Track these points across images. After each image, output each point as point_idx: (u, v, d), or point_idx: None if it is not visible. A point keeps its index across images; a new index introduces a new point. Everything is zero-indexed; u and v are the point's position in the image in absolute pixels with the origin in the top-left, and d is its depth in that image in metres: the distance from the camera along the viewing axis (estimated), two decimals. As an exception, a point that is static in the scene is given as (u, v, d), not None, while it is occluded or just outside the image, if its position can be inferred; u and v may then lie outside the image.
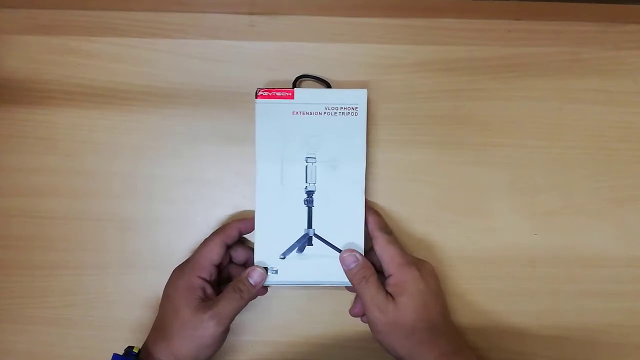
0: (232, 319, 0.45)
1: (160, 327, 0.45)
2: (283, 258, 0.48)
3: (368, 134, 0.51)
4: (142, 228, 0.51)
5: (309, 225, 0.48)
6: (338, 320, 0.51)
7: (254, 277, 0.46)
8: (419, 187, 0.51)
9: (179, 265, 0.47)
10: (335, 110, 0.48)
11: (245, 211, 0.51)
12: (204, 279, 0.45)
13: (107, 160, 0.51)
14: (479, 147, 0.51)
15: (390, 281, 0.45)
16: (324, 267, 0.47)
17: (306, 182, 0.48)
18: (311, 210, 0.48)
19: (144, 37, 0.51)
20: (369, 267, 0.46)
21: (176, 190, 0.51)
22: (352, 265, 0.46)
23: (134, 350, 0.44)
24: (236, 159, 0.51)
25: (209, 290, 0.46)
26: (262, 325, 0.51)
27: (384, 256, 0.46)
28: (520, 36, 0.52)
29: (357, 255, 0.46)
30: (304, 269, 0.48)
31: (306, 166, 0.48)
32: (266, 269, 0.47)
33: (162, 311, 0.46)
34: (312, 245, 0.48)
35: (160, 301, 0.47)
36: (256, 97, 0.48)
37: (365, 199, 0.48)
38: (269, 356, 0.51)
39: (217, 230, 0.48)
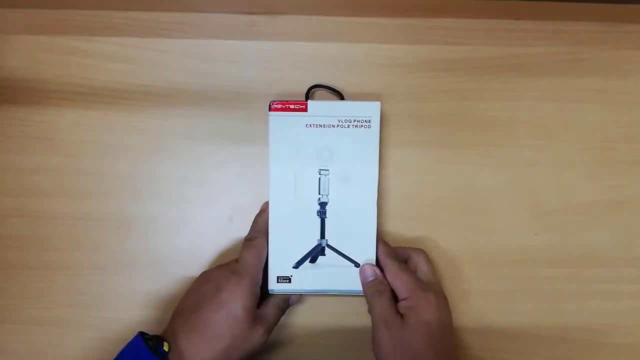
0: None
1: (202, 329, 0.43)
2: (296, 268, 0.48)
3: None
4: (142, 228, 0.51)
5: (322, 236, 0.48)
6: (338, 321, 0.51)
7: (294, 300, 0.49)
8: (419, 187, 0.51)
9: (228, 269, 0.46)
10: (348, 123, 0.47)
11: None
12: (258, 285, 0.46)
13: (107, 160, 0.51)
14: (479, 147, 0.51)
15: (404, 303, 0.45)
16: (337, 277, 0.48)
17: (319, 193, 0.48)
18: (324, 221, 0.48)
19: (144, 37, 0.51)
20: (387, 283, 0.46)
21: (176, 190, 0.51)
22: (370, 278, 0.47)
23: (164, 348, 0.41)
24: (236, 158, 0.51)
25: (259, 294, 0.46)
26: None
27: (397, 282, 0.46)
28: (520, 36, 0.52)
29: (377, 270, 0.47)
30: (316, 278, 0.48)
31: (319, 178, 0.48)
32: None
33: (212, 316, 0.43)
34: (324, 255, 0.48)
35: (194, 300, 0.45)
36: (269, 110, 0.47)
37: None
38: (269, 356, 0.51)
39: (254, 231, 0.48)
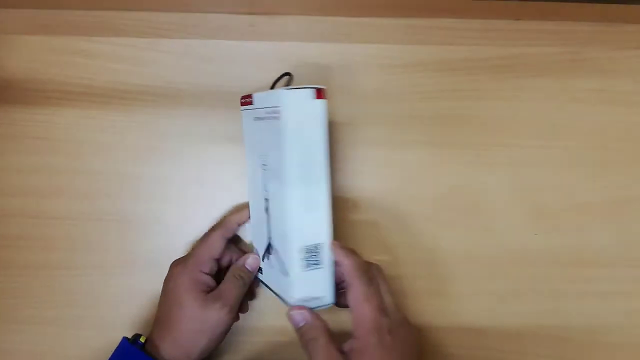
0: (238, 303, 0.46)
1: (164, 322, 0.45)
2: (263, 260, 0.48)
3: (369, 135, 0.51)
4: (142, 228, 0.51)
5: (269, 234, 0.45)
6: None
7: (250, 262, 0.47)
8: (418, 187, 0.51)
9: (178, 260, 0.48)
10: (271, 114, 0.42)
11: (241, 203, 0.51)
12: (206, 273, 0.46)
13: (107, 160, 0.51)
14: (479, 147, 0.51)
15: (352, 344, 0.40)
16: (277, 278, 0.45)
17: (264, 190, 0.45)
18: (268, 219, 0.45)
19: (144, 37, 0.51)
20: (318, 326, 0.41)
21: (176, 190, 0.51)
22: (301, 324, 0.42)
23: (140, 339, 0.44)
24: (236, 158, 0.51)
25: (212, 282, 0.46)
26: (262, 325, 0.51)
27: (355, 313, 0.40)
28: (520, 36, 0.52)
29: (306, 313, 0.42)
30: (270, 275, 0.47)
31: (262, 174, 0.45)
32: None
33: (165, 307, 0.45)
34: (271, 254, 0.45)
35: (160, 298, 0.47)
36: (241, 105, 0.48)
37: (337, 242, 0.43)
38: (269, 356, 0.51)
39: (216, 224, 0.49)
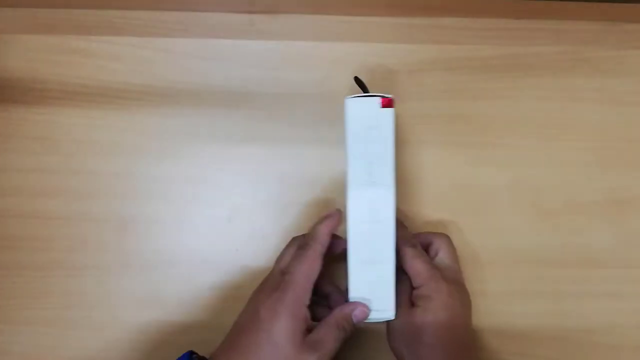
0: (333, 357, 0.41)
1: (244, 351, 0.39)
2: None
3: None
4: (142, 228, 0.51)
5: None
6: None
7: (357, 314, 0.41)
8: (419, 186, 0.51)
9: (273, 280, 0.41)
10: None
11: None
12: (307, 305, 0.40)
13: (106, 160, 0.51)
14: (479, 147, 0.51)
15: (415, 292, 0.43)
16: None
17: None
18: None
19: (142, 36, 0.51)
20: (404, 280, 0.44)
21: (176, 190, 0.51)
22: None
23: None
24: (236, 159, 0.51)
25: (309, 316, 0.40)
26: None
27: (411, 270, 0.43)
28: (521, 35, 0.51)
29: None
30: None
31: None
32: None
33: (252, 338, 0.39)
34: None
35: (239, 325, 0.42)
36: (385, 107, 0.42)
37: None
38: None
39: (308, 240, 0.42)
